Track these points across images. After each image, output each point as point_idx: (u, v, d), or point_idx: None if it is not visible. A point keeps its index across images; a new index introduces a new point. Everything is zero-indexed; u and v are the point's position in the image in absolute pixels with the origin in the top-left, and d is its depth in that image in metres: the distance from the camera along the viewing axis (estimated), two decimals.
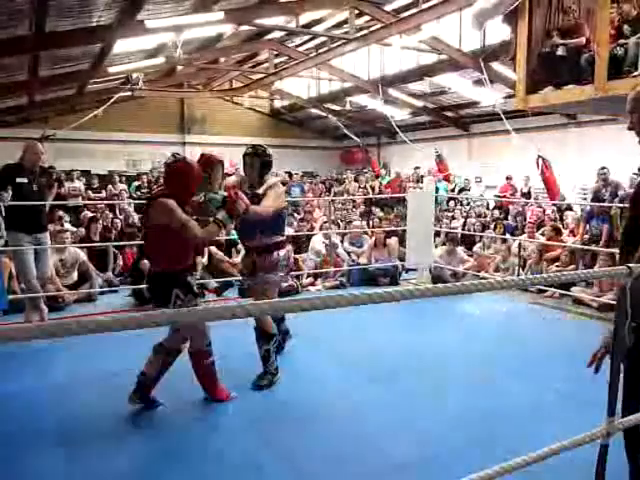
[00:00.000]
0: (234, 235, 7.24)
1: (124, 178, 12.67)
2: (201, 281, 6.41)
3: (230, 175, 6.46)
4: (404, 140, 12.29)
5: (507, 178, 11.21)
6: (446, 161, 13.17)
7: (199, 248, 6.73)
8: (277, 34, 11.73)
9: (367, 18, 9.83)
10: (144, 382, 3.19)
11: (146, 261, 5.85)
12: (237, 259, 7.01)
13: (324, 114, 15.91)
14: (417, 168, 13.24)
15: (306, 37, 12.49)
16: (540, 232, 7.53)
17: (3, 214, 4.86)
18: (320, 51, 11.73)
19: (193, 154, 17.44)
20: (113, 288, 6.36)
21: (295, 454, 2.73)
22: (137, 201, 10.87)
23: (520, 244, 6.94)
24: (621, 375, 1.75)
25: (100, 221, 7.45)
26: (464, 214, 10.16)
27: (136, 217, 9.02)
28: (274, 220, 3.55)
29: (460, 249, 7.43)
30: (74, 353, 3.92)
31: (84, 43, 8.02)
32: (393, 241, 7.29)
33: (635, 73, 4.80)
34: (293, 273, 6.61)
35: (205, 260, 6.84)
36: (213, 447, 2.77)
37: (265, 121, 19.07)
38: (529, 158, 9.92)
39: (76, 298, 5.83)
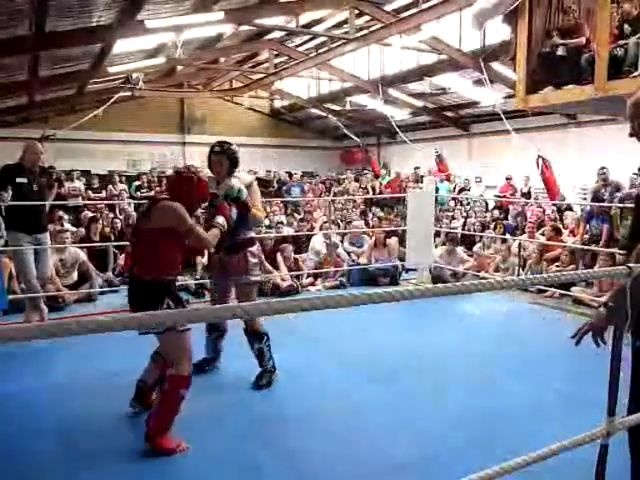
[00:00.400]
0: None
1: (124, 178, 12.67)
2: (201, 281, 6.42)
3: None
4: (404, 140, 12.29)
5: (507, 178, 11.21)
6: (446, 161, 13.17)
7: (200, 251, 6.74)
8: (277, 34, 11.73)
9: (367, 18, 9.83)
10: (143, 389, 3.13)
11: None
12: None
13: (324, 114, 15.91)
14: (417, 168, 13.24)
15: (306, 37, 12.49)
16: (540, 232, 7.53)
17: (3, 214, 4.85)
18: (320, 51, 11.72)
19: (193, 154, 17.51)
20: (113, 288, 6.36)
21: (295, 454, 2.73)
22: (137, 201, 10.89)
23: (520, 244, 6.94)
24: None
25: (100, 221, 7.45)
26: (464, 214, 10.16)
27: (136, 217, 9.03)
28: (243, 217, 3.46)
29: (460, 249, 7.43)
30: (74, 353, 3.91)
31: (84, 43, 8.03)
32: (393, 241, 7.29)
33: (635, 73, 4.80)
34: (293, 273, 6.62)
35: (205, 260, 6.83)
36: (213, 447, 2.76)
37: (265, 121, 19.07)
38: (529, 158, 9.92)
39: (76, 298, 5.83)
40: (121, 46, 8.89)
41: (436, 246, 7.35)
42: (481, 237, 7.88)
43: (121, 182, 11.89)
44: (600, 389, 1.76)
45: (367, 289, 5.90)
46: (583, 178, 9.93)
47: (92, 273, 6.16)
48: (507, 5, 5.62)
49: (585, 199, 9.37)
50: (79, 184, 11.21)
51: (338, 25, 11.14)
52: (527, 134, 10.05)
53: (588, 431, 1.71)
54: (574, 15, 5.68)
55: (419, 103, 13.40)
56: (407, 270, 7.24)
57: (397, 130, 12.07)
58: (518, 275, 6.64)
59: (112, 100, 12.56)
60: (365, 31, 9.74)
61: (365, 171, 15.89)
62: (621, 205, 6.47)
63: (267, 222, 8.82)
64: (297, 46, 13.08)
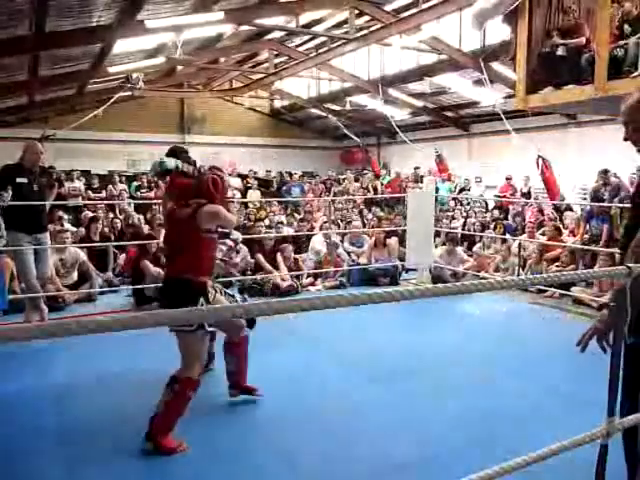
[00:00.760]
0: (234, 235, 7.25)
1: (124, 178, 12.66)
2: None
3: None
4: (404, 140, 12.29)
5: (507, 178, 11.21)
6: (446, 161, 13.18)
7: None
8: (277, 34, 11.73)
9: (367, 18, 9.83)
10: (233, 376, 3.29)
11: (146, 261, 5.88)
12: (237, 259, 7.02)
13: (324, 114, 15.91)
14: (417, 168, 13.25)
15: (306, 37, 12.48)
16: (540, 232, 7.53)
17: (3, 214, 4.85)
18: (320, 51, 11.72)
19: (193, 154, 17.49)
20: (113, 288, 6.36)
21: (295, 454, 2.73)
22: (137, 201, 10.89)
23: (520, 244, 6.94)
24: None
25: (100, 221, 7.45)
26: (464, 214, 10.16)
27: (136, 217, 9.03)
28: None
29: (460, 249, 7.43)
30: (74, 353, 3.92)
31: (84, 43, 8.03)
32: (393, 241, 7.29)
33: (635, 73, 4.80)
34: (293, 273, 6.62)
35: None
36: (213, 447, 2.77)
37: (265, 121, 19.07)
38: (529, 158, 9.92)
39: (76, 298, 5.83)
40: (121, 46, 8.88)
41: (436, 246, 7.35)
42: (481, 237, 7.88)
43: (121, 182, 11.88)
44: (600, 389, 1.76)
45: (367, 289, 5.90)
46: (583, 178, 9.93)
47: (92, 273, 6.16)
48: (507, 5, 5.62)
49: (585, 199, 9.37)
50: (79, 184, 11.20)
51: (338, 25, 11.14)
52: (527, 134, 10.05)
53: (588, 431, 1.71)
54: (574, 15, 5.68)
55: (419, 103, 13.40)
56: (407, 270, 7.24)
57: (397, 130, 12.07)
58: (518, 275, 6.64)
59: (112, 100, 12.56)
60: (365, 31, 9.74)
61: (365, 171, 15.90)
62: (621, 205, 6.47)
63: (267, 222, 8.83)
64: (297, 46, 13.08)
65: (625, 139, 2.00)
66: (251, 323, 3.35)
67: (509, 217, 9.51)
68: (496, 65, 9.44)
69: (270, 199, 10.51)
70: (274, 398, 3.35)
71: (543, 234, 7.39)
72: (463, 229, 9.07)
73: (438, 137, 14.35)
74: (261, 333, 4.41)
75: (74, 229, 7.33)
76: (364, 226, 8.80)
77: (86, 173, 13.24)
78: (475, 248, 7.72)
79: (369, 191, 13.21)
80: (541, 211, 8.86)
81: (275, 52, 12.22)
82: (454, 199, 11.19)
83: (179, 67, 13.17)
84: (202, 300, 2.87)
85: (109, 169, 15.15)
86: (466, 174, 12.98)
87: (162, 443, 2.69)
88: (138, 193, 11.76)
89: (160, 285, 3.23)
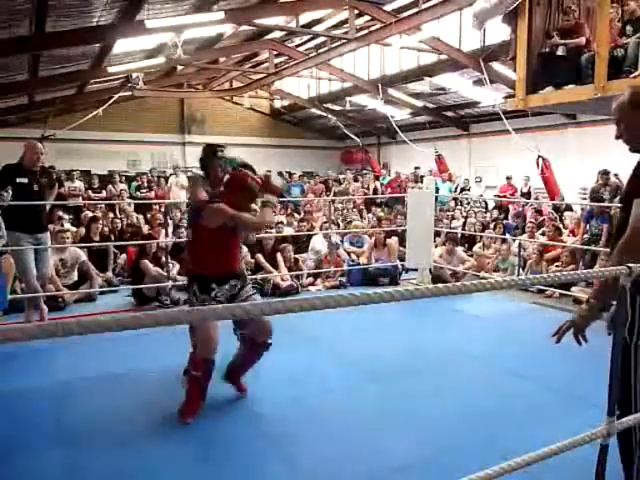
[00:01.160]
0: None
1: (124, 178, 12.67)
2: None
3: None
4: (404, 140, 12.29)
5: (507, 178, 11.22)
6: (445, 161, 13.19)
7: None
8: (277, 34, 11.73)
9: (367, 18, 9.84)
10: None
11: (146, 261, 5.88)
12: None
13: (324, 114, 15.91)
14: (417, 168, 13.25)
15: (306, 37, 12.49)
16: (540, 232, 7.53)
17: (3, 214, 4.85)
18: (320, 51, 11.73)
19: (193, 154, 17.50)
20: (113, 288, 6.36)
21: (295, 454, 2.73)
22: (137, 201, 10.89)
23: (520, 244, 6.94)
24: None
25: (100, 221, 7.45)
26: (464, 214, 10.16)
27: (135, 217, 9.04)
28: None
29: (460, 249, 7.43)
30: (74, 353, 3.92)
31: (84, 43, 8.03)
32: (393, 241, 7.29)
33: (635, 73, 4.80)
34: (293, 273, 6.62)
35: None
36: (212, 447, 2.77)
37: (265, 121, 19.07)
38: (529, 158, 9.92)
39: (76, 298, 5.83)
40: (121, 46, 8.89)
41: (436, 246, 7.35)
42: (481, 237, 7.88)
43: (121, 182, 11.89)
44: (600, 389, 1.77)
45: (367, 289, 5.90)
46: (583, 178, 9.93)
47: (92, 273, 6.16)
48: (507, 5, 5.62)
49: (585, 199, 9.37)
50: (79, 184, 11.20)
51: (338, 25, 11.14)
52: (527, 134, 10.06)
53: (588, 431, 1.71)
54: (574, 15, 5.68)
55: (419, 103, 13.40)
56: (407, 270, 7.24)
57: (397, 130, 12.07)
58: (518, 275, 6.64)
59: (112, 100, 12.57)
60: (365, 31, 9.74)
61: (365, 171, 15.90)
62: (621, 205, 6.46)
63: None
64: (297, 46, 13.08)
65: (617, 137, 2.00)
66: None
67: (509, 217, 9.51)
68: (496, 65, 9.44)
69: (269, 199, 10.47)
70: (274, 398, 3.35)
71: (543, 234, 7.39)
72: (463, 229, 9.07)
73: (438, 137, 14.35)
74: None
75: (74, 229, 7.33)
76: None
77: (86, 173, 13.24)
78: (475, 248, 7.72)
79: (369, 191, 13.20)
80: (539, 211, 8.86)
81: (275, 52, 12.22)
82: (454, 199, 11.19)
83: (179, 67, 13.18)
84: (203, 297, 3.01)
85: (109, 169, 15.15)
86: (466, 174, 12.98)
87: (184, 415, 3.02)
88: (138, 193, 11.76)
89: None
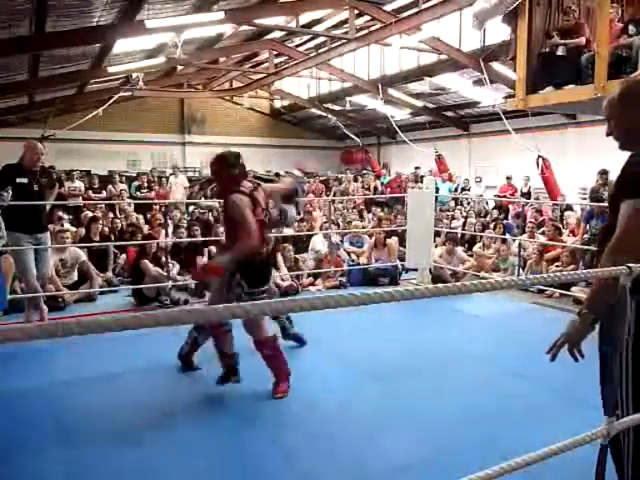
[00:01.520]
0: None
1: (124, 178, 12.67)
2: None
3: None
4: (404, 140, 12.29)
5: (507, 178, 11.22)
6: (445, 160, 13.19)
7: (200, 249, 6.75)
8: (277, 34, 11.74)
9: (367, 18, 9.84)
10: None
11: (146, 261, 5.88)
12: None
13: (324, 114, 15.92)
14: (417, 168, 13.25)
15: (306, 37, 12.50)
16: (540, 232, 7.53)
17: (3, 214, 4.85)
18: (320, 51, 11.74)
19: (193, 154, 17.52)
20: (113, 288, 6.36)
21: (295, 453, 2.73)
22: (137, 201, 10.89)
23: (520, 244, 6.95)
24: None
25: (100, 221, 7.45)
26: (464, 214, 10.16)
27: (135, 217, 9.03)
28: None
29: (460, 249, 7.43)
30: (74, 353, 3.92)
31: (84, 43, 8.04)
32: (393, 241, 7.28)
33: (635, 73, 4.80)
34: (293, 273, 6.62)
35: (205, 260, 6.84)
36: (212, 447, 2.77)
37: (265, 121, 19.08)
38: (529, 158, 9.92)
39: (76, 298, 5.82)
40: (121, 46, 8.89)
41: (436, 246, 7.35)
42: (481, 237, 7.88)
43: (121, 182, 11.89)
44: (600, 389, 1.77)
45: (367, 289, 5.89)
46: (583, 178, 9.93)
47: (92, 273, 6.16)
48: (507, 5, 5.62)
49: (585, 199, 9.37)
50: (79, 184, 11.20)
51: (338, 25, 11.15)
52: (527, 134, 10.06)
53: (588, 431, 1.71)
54: (574, 15, 5.68)
55: (419, 103, 13.41)
56: (407, 270, 7.24)
57: (397, 130, 12.08)
58: (518, 275, 6.64)
59: (112, 100, 12.58)
60: (365, 31, 9.75)
61: (365, 171, 15.90)
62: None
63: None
64: (297, 46, 13.09)
65: (608, 134, 1.97)
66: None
67: (509, 217, 9.50)
68: (496, 65, 9.44)
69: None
70: (274, 398, 3.35)
71: (543, 234, 7.39)
72: (463, 229, 9.07)
73: (438, 137, 14.36)
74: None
75: (74, 229, 7.32)
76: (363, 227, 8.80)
77: (86, 173, 13.24)
78: (475, 248, 7.72)
79: (370, 191, 13.20)
80: (539, 211, 8.85)
81: (275, 52, 12.23)
82: (454, 199, 11.19)
83: (179, 67, 13.18)
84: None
85: (109, 169, 15.16)
86: (466, 174, 12.97)
87: (280, 390, 3.34)
88: (138, 193, 11.76)
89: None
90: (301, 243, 7.52)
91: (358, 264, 7.06)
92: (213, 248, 6.91)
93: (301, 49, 12.88)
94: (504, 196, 10.74)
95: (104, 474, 2.54)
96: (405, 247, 7.01)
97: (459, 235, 8.38)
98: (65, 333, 0.88)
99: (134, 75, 11.86)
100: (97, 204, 9.51)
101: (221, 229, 7.01)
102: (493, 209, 10.33)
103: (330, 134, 18.60)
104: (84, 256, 6.24)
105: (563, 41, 5.51)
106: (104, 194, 11.37)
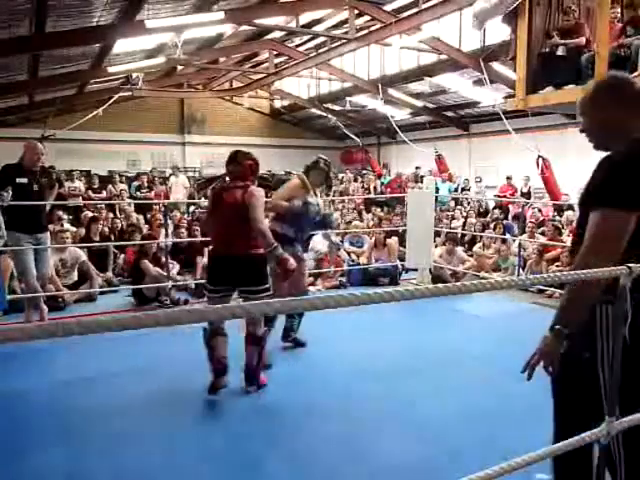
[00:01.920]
0: None
1: (124, 178, 12.68)
2: (201, 281, 6.42)
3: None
4: (404, 140, 12.30)
5: (507, 178, 11.22)
6: (445, 160, 13.20)
7: (200, 251, 6.75)
8: (277, 34, 11.74)
9: (367, 18, 9.84)
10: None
11: (146, 261, 5.88)
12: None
13: (324, 114, 15.92)
14: (417, 168, 13.26)
15: (306, 37, 12.50)
16: (540, 232, 7.53)
17: (3, 214, 4.85)
18: (320, 51, 11.74)
19: (193, 154, 17.52)
20: (113, 288, 6.36)
21: (295, 454, 2.73)
22: (137, 201, 10.89)
23: (520, 244, 6.95)
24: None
25: (100, 221, 7.45)
26: (464, 214, 10.16)
27: (135, 217, 9.03)
28: None
29: (460, 249, 7.43)
30: (74, 353, 3.91)
31: (84, 43, 8.04)
32: (393, 241, 7.28)
33: (635, 73, 4.80)
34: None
35: (205, 260, 6.84)
36: (212, 447, 2.77)
37: (265, 121, 19.08)
38: (529, 158, 9.92)
39: (76, 298, 5.82)
40: (121, 46, 8.90)
41: (436, 246, 7.35)
42: (481, 237, 7.88)
43: (121, 182, 11.89)
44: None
45: (367, 289, 5.89)
46: (583, 178, 9.90)
47: (92, 273, 6.16)
48: (507, 5, 5.62)
49: None
50: (79, 184, 11.21)
51: (338, 25, 11.15)
52: (527, 134, 10.06)
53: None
54: (574, 15, 5.68)
55: (419, 103, 13.41)
56: (407, 270, 7.24)
57: (397, 130, 12.08)
58: (518, 275, 6.63)
59: (112, 100, 12.58)
60: (365, 31, 9.75)
61: (365, 171, 15.90)
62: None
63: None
64: (297, 46, 13.09)
65: (581, 131, 1.93)
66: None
67: (509, 217, 9.50)
68: (496, 65, 9.44)
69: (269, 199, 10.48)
70: (274, 397, 3.35)
71: (543, 234, 7.39)
72: (463, 229, 9.07)
73: (438, 137, 14.36)
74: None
75: (74, 229, 7.32)
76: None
77: (86, 173, 13.25)
78: (475, 248, 7.72)
79: (370, 191, 13.20)
80: (539, 211, 8.85)
81: (275, 52, 12.23)
82: (454, 199, 11.19)
83: (179, 67, 13.19)
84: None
85: (109, 169, 15.16)
86: (466, 174, 12.97)
87: (260, 384, 3.42)
88: (138, 193, 11.77)
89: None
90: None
91: (358, 264, 7.06)
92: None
93: (301, 49, 12.88)
94: (504, 196, 10.74)
95: (104, 474, 2.54)
96: (405, 247, 7.02)
97: (459, 235, 8.38)
98: (65, 333, 0.88)
99: (134, 75, 11.88)
100: (97, 204, 9.51)
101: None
102: (493, 209, 10.33)
103: (330, 134, 18.60)
104: (84, 256, 6.24)
105: (563, 41, 5.51)
106: (104, 194, 11.38)
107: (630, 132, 1.75)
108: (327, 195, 3.87)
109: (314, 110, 16.44)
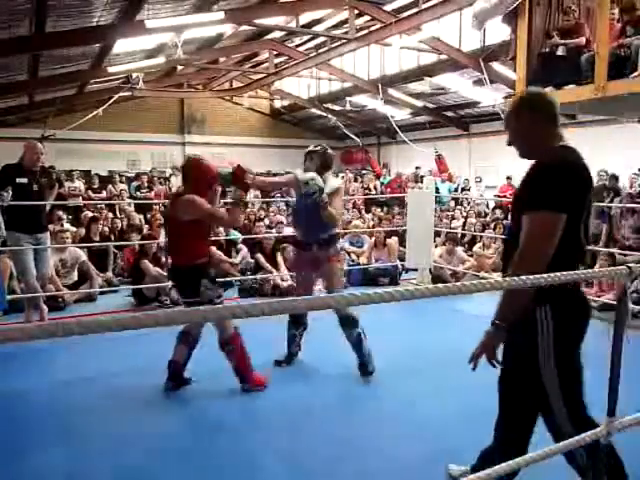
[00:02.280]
0: (234, 235, 7.26)
1: (124, 178, 12.67)
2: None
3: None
4: (404, 140, 12.29)
5: (507, 178, 11.21)
6: (445, 160, 13.19)
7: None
8: (277, 34, 11.74)
9: (367, 18, 9.84)
10: (175, 367, 3.48)
11: (146, 261, 5.89)
12: (236, 259, 7.01)
13: (324, 114, 15.92)
14: (417, 168, 13.26)
15: (306, 37, 12.49)
16: None
17: (3, 214, 4.85)
18: (320, 51, 11.73)
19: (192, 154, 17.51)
20: (113, 288, 6.36)
21: (295, 454, 2.73)
22: (137, 201, 10.89)
23: None
24: None
25: (100, 221, 7.45)
26: (464, 214, 10.16)
27: (136, 217, 9.03)
28: (318, 214, 3.68)
29: (460, 249, 7.43)
30: (74, 353, 3.91)
31: (84, 43, 8.04)
32: (393, 241, 7.28)
33: (635, 73, 4.80)
34: (293, 273, 6.61)
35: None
36: (212, 447, 2.77)
37: (265, 121, 19.07)
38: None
39: (76, 298, 5.82)
40: (121, 46, 8.90)
41: (436, 246, 7.35)
42: (481, 237, 7.88)
43: (121, 182, 11.89)
44: (600, 389, 1.77)
45: (367, 289, 5.89)
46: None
47: (92, 273, 6.16)
48: (507, 5, 5.62)
49: None
50: (79, 184, 11.20)
51: (338, 25, 11.15)
52: None
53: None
54: (574, 15, 5.68)
55: (419, 103, 13.41)
56: (407, 270, 7.24)
57: (397, 130, 12.08)
58: None
59: (112, 100, 12.58)
60: (365, 31, 9.74)
61: (365, 171, 15.90)
62: (621, 205, 6.48)
63: (267, 222, 8.83)
64: (297, 46, 13.08)
65: (508, 143, 2.07)
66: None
67: (509, 217, 9.48)
68: (496, 65, 9.44)
69: (270, 199, 10.50)
70: (273, 397, 3.35)
71: None
72: (463, 229, 9.06)
73: (438, 137, 14.36)
74: (260, 333, 4.41)
75: (74, 229, 7.33)
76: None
77: (86, 173, 13.25)
78: (475, 248, 7.72)
79: (370, 191, 13.20)
80: None
81: (275, 52, 12.23)
82: (454, 199, 11.19)
83: (179, 67, 13.19)
84: (205, 282, 3.23)
85: (109, 169, 15.15)
86: (466, 174, 12.96)
87: (253, 383, 3.38)
88: (138, 193, 11.76)
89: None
90: None
91: (358, 264, 7.06)
92: (213, 248, 6.91)
93: (301, 49, 12.87)
94: (504, 196, 10.73)
95: (104, 474, 2.54)
96: (405, 247, 7.02)
97: (459, 235, 8.37)
98: (65, 333, 0.88)
99: (134, 75, 11.87)
100: (97, 204, 9.51)
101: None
102: (493, 209, 10.32)
103: (330, 134, 18.59)
104: (84, 256, 6.24)
105: (563, 41, 5.50)
106: (104, 194, 11.38)
107: (549, 141, 1.93)
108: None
109: (314, 110, 16.44)
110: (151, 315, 0.95)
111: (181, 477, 2.54)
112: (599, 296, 5.69)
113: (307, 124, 18.79)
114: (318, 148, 3.96)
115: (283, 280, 6.44)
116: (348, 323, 3.73)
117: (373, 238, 7.30)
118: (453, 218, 10.05)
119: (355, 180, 14.04)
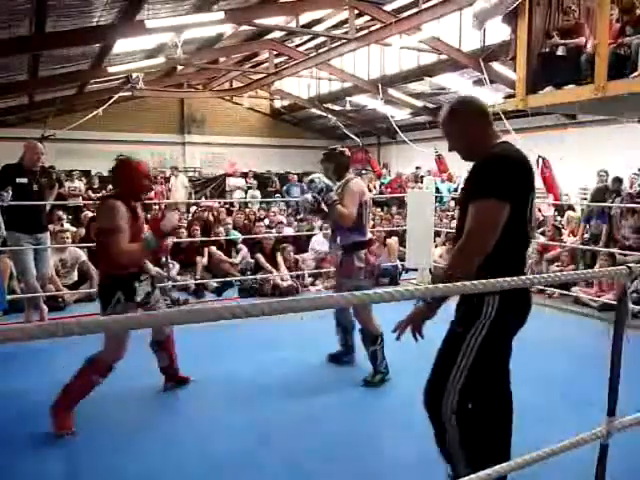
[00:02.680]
0: (234, 235, 7.26)
1: None
2: (201, 281, 6.43)
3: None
4: (404, 140, 12.29)
5: None
6: (445, 160, 13.19)
7: (195, 251, 6.74)
8: (277, 34, 11.74)
9: (367, 18, 9.84)
10: (167, 371, 3.42)
11: (146, 261, 5.88)
12: (236, 259, 7.02)
13: (324, 114, 15.91)
14: (417, 168, 13.25)
15: (306, 37, 12.49)
16: (540, 231, 7.53)
17: (3, 214, 4.85)
18: (320, 51, 11.73)
19: (193, 154, 17.52)
20: None
21: (295, 454, 2.73)
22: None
23: None
24: None
25: None
26: None
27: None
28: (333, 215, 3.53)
29: None
30: (74, 353, 3.90)
31: (84, 43, 8.03)
32: (393, 241, 7.28)
33: (635, 73, 4.80)
34: (293, 273, 6.62)
35: (205, 260, 6.85)
36: (211, 447, 2.77)
37: (265, 121, 19.07)
38: (529, 158, 9.91)
39: (76, 298, 5.83)
40: (121, 46, 8.89)
41: (436, 246, 7.35)
42: None
43: None
44: (600, 389, 1.77)
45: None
46: (583, 178, 9.93)
47: (92, 273, 6.16)
48: (507, 5, 5.62)
49: (585, 199, 9.37)
50: (79, 184, 11.20)
51: (338, 25, 11.15)
52: (527, 134, 10.05)
53: (588, 431, 1.71)
54: (574, 15, 5.68)
55: (419, 103, 13.40)
56: (407, 270, 7.24)
57: (397, 130, 12.07)
58: None
59: (112, 100, 12.58)
60: (365, 31, 9.74)
61: (365, 171, 15.89)
62: (621, 205, 6.49)
63: (267, 222, 8.83)
64: (297, 46, 13.08)
65: (450, 149, 2.14)
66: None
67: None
68: (496, 65, 9.44)
69: (270, 199, 10.50)
70: (273, 397, 3.35)
71: (543, 234, 7.39)
72: None
73: (438, 137, 14.29)
74: (260, 333, 4.42)
75: (74, 229, 7.32)
76: None
77: (86, 173, 13.24)
78: None
79: (370, 191, 13.20)
80: (539, 210, 8.83)
81: (275, 52, 12.23)
82: (454, 199, 11.18)
83: (179, 67, 13.18)
84: (119, 295, 2.88)
85: (109, 169, 15.13)
86: (466, 174, 12.94)
87: (57, 416, 2.86)
88: None
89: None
90: (301, 243, 7.52)
91: None
92: (213, 248, 6.92)
93: (301, 49, 12.87)
94: None
95: (104, 474, 2.54)
96: (405, 247, 7.02)
97: None
98: (65, 333, 0.88)
99: (134, 75, 11.86)
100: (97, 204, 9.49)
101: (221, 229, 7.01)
102: None
103: (330, 134, 18.58)
104: (84, 256, 6.24)
105: (563, 41, 5.50)
106: (104, 194, 11.36)
107: (486, 139, 2.02)
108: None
109: (314, 110, 16.43)
110: (151, 315, 0.95)
111: (181, 477, 2.54)
112: (599, 296, 5.69)
113: (307, 124, 18.78)
114: (334, 150, 3.87)
115: (283, 280, 6.44)
116: (366, 339, 3.66)
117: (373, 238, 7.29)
118: (453, 218, 10.02)
119: None
